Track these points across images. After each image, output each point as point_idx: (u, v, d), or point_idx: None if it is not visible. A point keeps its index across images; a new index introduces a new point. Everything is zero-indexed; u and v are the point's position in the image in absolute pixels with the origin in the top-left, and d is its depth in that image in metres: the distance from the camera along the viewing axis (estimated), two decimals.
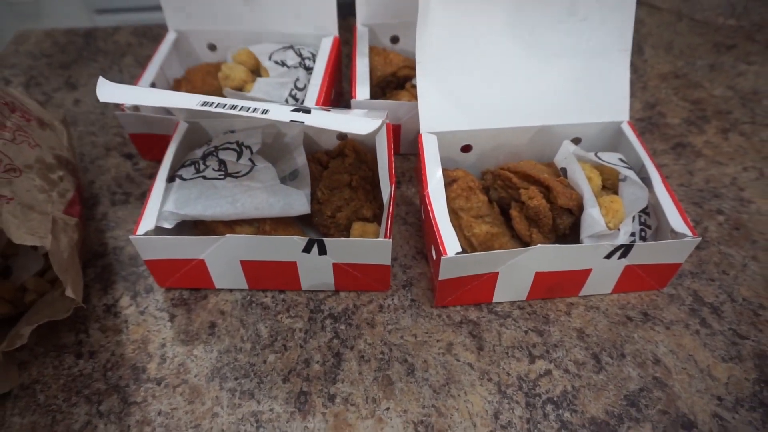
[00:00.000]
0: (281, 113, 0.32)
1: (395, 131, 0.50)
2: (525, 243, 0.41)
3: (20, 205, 0.34)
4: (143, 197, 0.48)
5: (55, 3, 1.97)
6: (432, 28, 0.43)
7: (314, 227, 0.43)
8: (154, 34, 0.68)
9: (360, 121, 0.32)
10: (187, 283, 0.41)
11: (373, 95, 0.51)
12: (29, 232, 0.33)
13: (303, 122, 0.31)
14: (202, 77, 0.53)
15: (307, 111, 0.32)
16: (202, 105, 0.32)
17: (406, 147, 0.53)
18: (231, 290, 0.42)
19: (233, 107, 0.32)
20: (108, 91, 0.33)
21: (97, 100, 0.58)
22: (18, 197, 0.35)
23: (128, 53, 0.65)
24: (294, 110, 0.32)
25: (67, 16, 2.01)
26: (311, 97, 0.47)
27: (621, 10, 0.43)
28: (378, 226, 0.41)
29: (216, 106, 0.32)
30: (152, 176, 0.50)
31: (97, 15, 1.89)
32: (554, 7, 0.43)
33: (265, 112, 0.32)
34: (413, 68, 0.54)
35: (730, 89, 0.60)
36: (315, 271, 0.39)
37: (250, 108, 0.32)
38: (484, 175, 0.45)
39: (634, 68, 0.64)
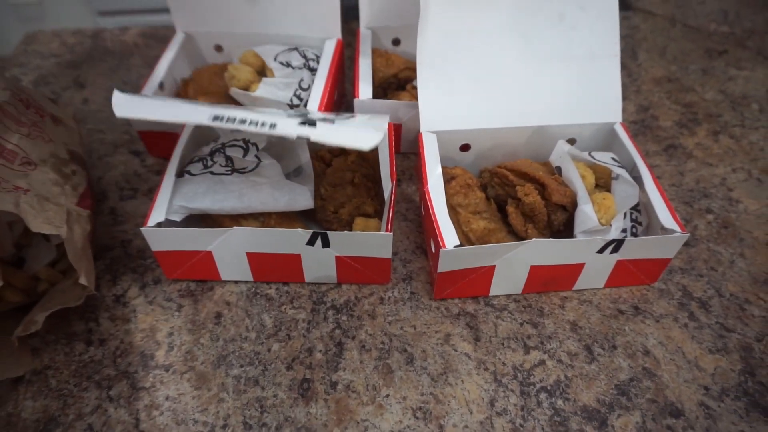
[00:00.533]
0: (288, 128, 0.33)
1: (396, 130, 0.52)
2: (521, 238, 0.42)
3: (36, 197, 0.36)
4: (150, 193, 0.50)
5: (58, 5, 1.99)
6: (432, 32, 0.44)
7: (317, 222, 0.45)
8: (161, 35, 0.69)
9: (364, 134, 0.34)
10: (194, 275, 0.42)
11: (375, 95, 0.53)
12: (46, 222, 0.34)
13: (309, 137, 0.33)
14: (208, 77, 0.55)
15: (313, 124, 0.34)
16: (213, 120, 0.33)
17: (406, 146, 0.54)
18: (236, 282, 0.43)
19: (242, 122, 0.33)
20: (124, 107, 0.34)
21: (106, 98, 0.60)
22: (34, 189, 0.36)
23: (135, 53, 0.66)
24: (301, 123, 0.34)
25: (70, 18, 2.03)
26: (315, 98, 0.48)
27: (605, 18, 0.45)
28: (379, 222, 0.43)
29: (226, 121, 0.33)
30: (159, 173, 0.52)
31: (100, 17, 1.91)
32: (545, 15, 0.45)
33: (273, 126, 0.33)
34: (414, 70, 0.56)
35: (721, 93, 0.62)
36: (318, 264, 0.41)
37: (258, 123, 0.33)
38: (481, 173, 0.47)
39: (629, 72, 0.65)
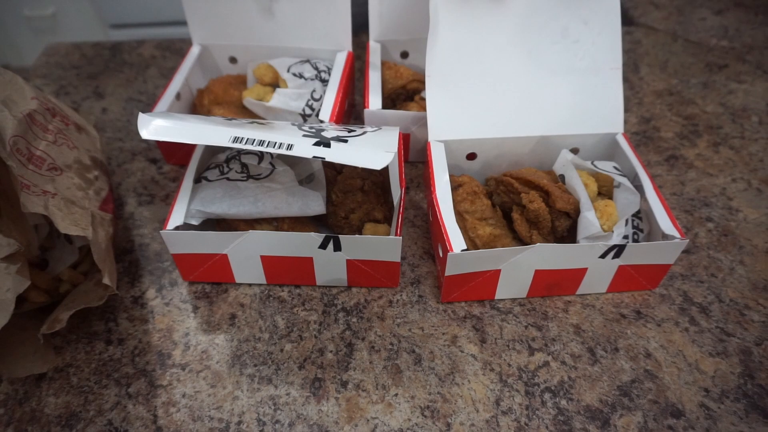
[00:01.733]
0: (304, 149, 0.35)
1: (405, 140, 0.53)
2: (526, 244, 0.44)
3: (63, 200, 0.37)
4: (167, 199, 0.52)
5: (71, 18, 2.03)
6: (441, 46, 0.46)
7: (329, 227, 0.46)
8: (176, 47, 0.72)
9: (375, 155, 0.35)
10: (210, 277, 0.44)
11: (384, 106, 0.55)
12: (73, 224, 0.36)
13: (324, 158, 0.35)
14: (223, 88, 0.57)
15: (327, 144, 0.36)
16: (233, 141, 0.35)
17: (414, 155, 0.56)
18: (250, 285, 0.44)
19: (261, 143, 0.35)
20: (149, 130, 0.36)
21: (124, 108, 0.62)
22: (60, 193, 0.38)
23: (152, 65, 0.68)
24: (316, 144, 0.36)
25: (82, 31, 2.07)
26: (326, 108, 0.50)
27: (607, 33, 0.47)
28: (388, 227, 0.44)
29: (246, 142, 0.35)
30: (175, 179, 0.54)
31: (112, 30, 1.95)
32: (550, 29, 0.46)
33: (290, 147, 0.35)
34: (422, 82, 0.58)
35: (722, 106, 0.63)
36: (329, 267, 0.42)
37: (276, 144, 0.35)
38: (488, 181, 0.48)
39: (631, 85, 0.67)
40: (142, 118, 0.37)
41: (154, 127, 0.36)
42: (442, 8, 0.46)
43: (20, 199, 0.34)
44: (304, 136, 0.37)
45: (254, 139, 0.36)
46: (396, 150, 0.38)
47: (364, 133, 0.40)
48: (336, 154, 0.35)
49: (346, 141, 0.37)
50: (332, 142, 0.37)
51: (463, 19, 0.47)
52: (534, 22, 0.47)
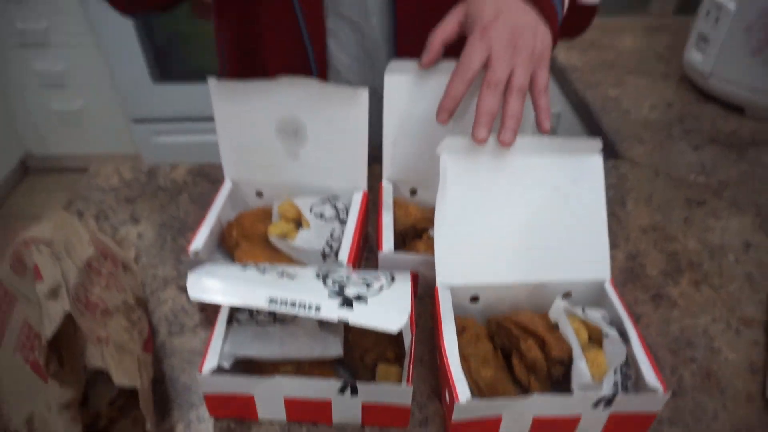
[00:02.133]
0: (330, 311, 0.41)
1: (414, 279, 0.59)
2: (525, 386, 0.48)
3: (115, 347, 0.42)
4: (196, 329, 0.56)
5: (96, 111, 2.17)
6: (448, 201, 0.53)
7: (345, 366, 0.51)
8: (206, 172, 0.79)
9: (391, 317, 0.42)
10: (235, 414, 0.48)
11: (395, 241, 0.61)
12: (126, 375, 0.40)
13: (348, 320, 0.40)
14: (251, 222, 0.63)
15: (350, 304, 0.42)
16: (269, 303, 0.41)
17: (422, 290, 0.61)
18: (271, 423, 0.48)
19: (293, 305, 0.41)
20: (196, 290, 0.42)
21: (158, 234, 0.68)
22: (111, 338, 0.43)
23: (184, 191, 0.75)
24: (340, 305, 0.42)
25: (105, 124, 2.20)
26: (344, 250, 0.56)
27: (593, 190, 0.54)
28: (400, 369, 0.49)
29: (280, 304, 0.41)
30: (204, 309, 0.58)
31: (134, 124, 2.08)
32: (543, 187, 0.54)
33: (318, 309, 0.41)
34: (428, 220, 0.64)
35: (701, 243, 0.70)
36: (346, 408, 0.46)
37: (306, 305, 0.41)
38: (489, 322, 0.53)
39: (618, 219, 0.74)
40: (192, 280, 0.42)
41: (201, 288, 0.42)
42: (450, 166, 0.53)
43: (86, 352, 0.39)
44: (330, 296, 0.43)
45: (287, 301, 0.41)
46: (409, 308, 0.43)
47: (381, 288, 0.46)
48: (357, 317, 0.41)
49: (366, 302, 0.43)
50: (354, 303, 0.42)
51: (468, 176, 0.54)
52: (530, 180, 0.54)
